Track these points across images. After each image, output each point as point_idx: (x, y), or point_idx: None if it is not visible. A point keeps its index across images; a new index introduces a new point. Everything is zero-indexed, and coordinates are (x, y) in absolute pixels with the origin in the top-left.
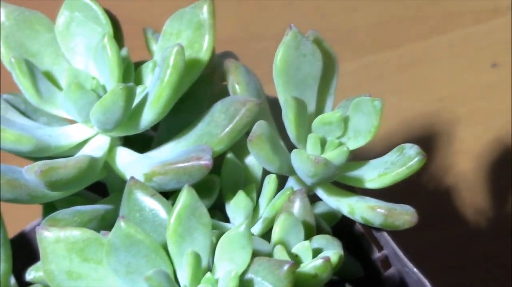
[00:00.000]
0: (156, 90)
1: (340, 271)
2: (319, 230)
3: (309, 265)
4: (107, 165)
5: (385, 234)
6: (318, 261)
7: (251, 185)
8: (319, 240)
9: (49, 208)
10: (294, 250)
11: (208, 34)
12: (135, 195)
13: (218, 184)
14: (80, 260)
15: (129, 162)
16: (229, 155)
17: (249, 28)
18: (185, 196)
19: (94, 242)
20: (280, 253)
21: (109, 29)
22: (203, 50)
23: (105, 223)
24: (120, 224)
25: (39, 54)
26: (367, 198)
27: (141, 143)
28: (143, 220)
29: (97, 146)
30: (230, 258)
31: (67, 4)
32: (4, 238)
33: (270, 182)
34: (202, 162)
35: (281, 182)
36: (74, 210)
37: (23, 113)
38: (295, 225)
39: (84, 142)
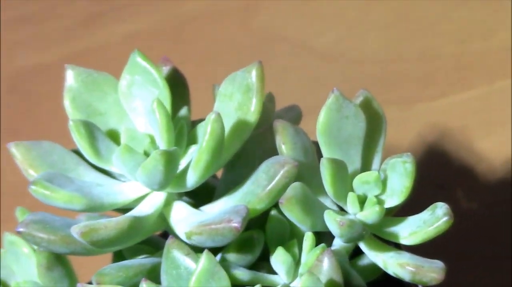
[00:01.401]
0: (196, 155)
1: None
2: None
3: None
4: (164, 218)
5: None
6: None
7: (293, 240)
8: None
9: (118, 256)
10: None
11: (255, 97)
12: (172, 254)
13: (260, 240)
14: None
15: (180, 218)
16: (273, 212)
17: (392, 50)
18: (204, 261)
19: None
20: None
21: (165, 92)
22: (250, 112)
23: (154, 275)
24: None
25: (106, 114)
26: (403, 253)
27: (206, 193)
28: (179, 277)
29: (152, 203)
30: None
31: (129, 68)
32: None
33: (306, 240)
34: (233, 225)
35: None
36: (120, 265)
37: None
38: (316, 285)
39: (141, 198)
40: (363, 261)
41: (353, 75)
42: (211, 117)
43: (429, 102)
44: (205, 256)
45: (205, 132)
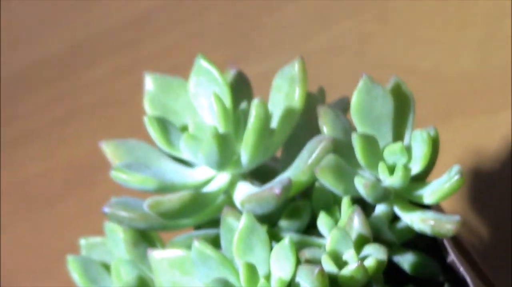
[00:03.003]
0: (244, 136)
1: (420, 271)
2: (378, 240)
3: (346, 268)
4: (231, 197)
5: (444, 241)
6: (353, 265)
7: (335, 206)
8: (368, 249)
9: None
10: (344, 257)
11: (298, 87)
12: (226, 220)
13: (306, 208)
14: (180, 273)
15: (241, 194)
16: (317, 184)
17: (482, 65)
18: (245, 219)
19: (189, 259)
20: (325, 261)
21: (224, 89)
22: (295, 100)
23: (217, 243)
24: (194, 243)
25: (180, 112)
26: (428, 211)
27: (270, 176)
28: (233, 240)
29: (217, 183)
30: (280, 267)
31: (195, 70)
32: None
33: (343, 204)
34: (274, 192)
35: None
36: (189, 235)
37: (183, 160)
38: (344, 237)
39: (209, 180)
40: (399, 224)
41: (448, 89)
42: (254, 102)
43: None
44: (245, 216)
45: (250, 115)
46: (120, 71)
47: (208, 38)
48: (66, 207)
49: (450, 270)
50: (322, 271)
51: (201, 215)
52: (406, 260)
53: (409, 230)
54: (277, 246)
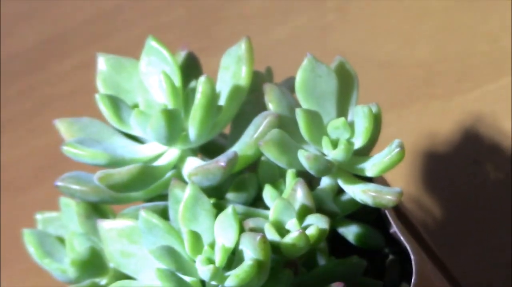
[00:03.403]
0: (191, 112)
1: (365, 242)
2: (323, 212)
3: (288, 236)
4: (181, 172)
5: (386, 212)
6: (295, 233)
7: (280, 180)
8: (310, 219)
9: None
10: (286, 226)
11: (245, 65)
12: (174, 191)
13: (252, 180)
14: (129, 242)
15: (190, 169)
16: (262, 158)
17: (435, 53)
18: (190, 190)
19: (137, 229)
20: (268, 230)
21: (174, 68)
22: (242, 78)
23: (166, 215)
24: (142, 213)
25: (132, 91)
26: (369, 184)
27: (219, 152)
28: None
29: (167, 158)
30: (224, 235)
31: (146, 50)
32: None
33: (288, 176)
34: (219, 164)
35: None
36: (138, 207)
37: (135, 137)
38: (287, 207)
39: (159, 155)
40: (343, 197)
41: (404, 77)
42: (201, 80)
43: (465, 94)
44: (190, 186)
45: (198, 92)
46: (89, 63)
47: (174, 31)
48: (38, 194)
49: (395, 242)
50: (264, 238)
51: (151, 189)
52: (350, 231)
53: (353, 202)
54: (221, 215)
